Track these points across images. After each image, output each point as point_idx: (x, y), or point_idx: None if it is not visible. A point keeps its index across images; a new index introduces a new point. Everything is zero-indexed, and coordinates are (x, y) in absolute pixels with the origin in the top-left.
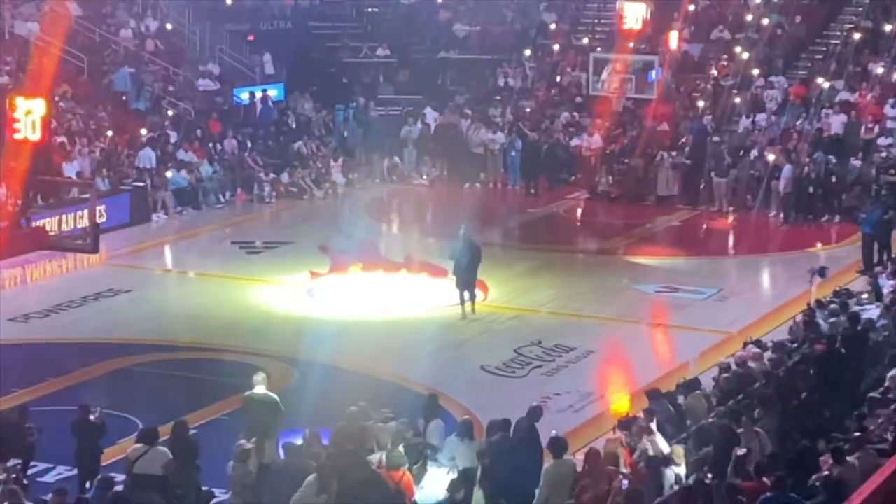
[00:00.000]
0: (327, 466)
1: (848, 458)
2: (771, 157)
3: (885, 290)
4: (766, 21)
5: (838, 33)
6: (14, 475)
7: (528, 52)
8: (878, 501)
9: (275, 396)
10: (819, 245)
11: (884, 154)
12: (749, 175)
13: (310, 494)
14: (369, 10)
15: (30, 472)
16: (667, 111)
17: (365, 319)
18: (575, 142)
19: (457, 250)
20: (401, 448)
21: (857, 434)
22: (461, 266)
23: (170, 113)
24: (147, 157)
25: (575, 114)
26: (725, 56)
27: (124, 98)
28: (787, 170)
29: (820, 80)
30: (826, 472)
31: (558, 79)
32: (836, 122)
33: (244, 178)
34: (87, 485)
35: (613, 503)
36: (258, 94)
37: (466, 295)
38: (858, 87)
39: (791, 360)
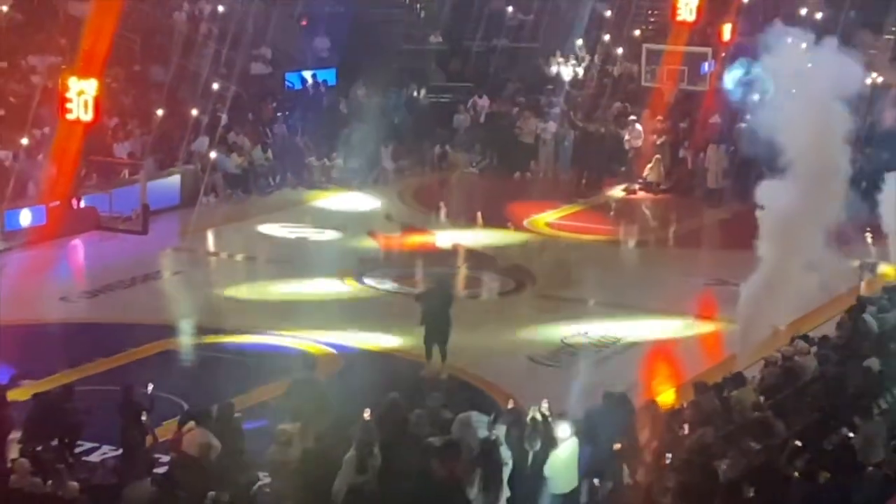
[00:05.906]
0: (372, 445)
1: None
2: None
3: None
4: (819, 14)
5: (893, 28)
6: (57, 454)
7: (580, 42)
8: None
9: (321, 381)
10: (869, 240)
11: None
12: None
13: (350, 472)
14: None
15: (76, 451)
16: (719, 103)
17: (413, 307)
18: (626, 133)
19: (426, 293)
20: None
21: None
22: (431, 311)
23: (222, 96)
24: (199, 140)
25: (626, 104)
26: None
27: (177, 80)
28: None
29: (874, 75)
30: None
31: (610, 69)
32: (889, 117)
33: (295, 162)
34: None
35: None
36: (310, 79)
37: (436, 347)
38: None
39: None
